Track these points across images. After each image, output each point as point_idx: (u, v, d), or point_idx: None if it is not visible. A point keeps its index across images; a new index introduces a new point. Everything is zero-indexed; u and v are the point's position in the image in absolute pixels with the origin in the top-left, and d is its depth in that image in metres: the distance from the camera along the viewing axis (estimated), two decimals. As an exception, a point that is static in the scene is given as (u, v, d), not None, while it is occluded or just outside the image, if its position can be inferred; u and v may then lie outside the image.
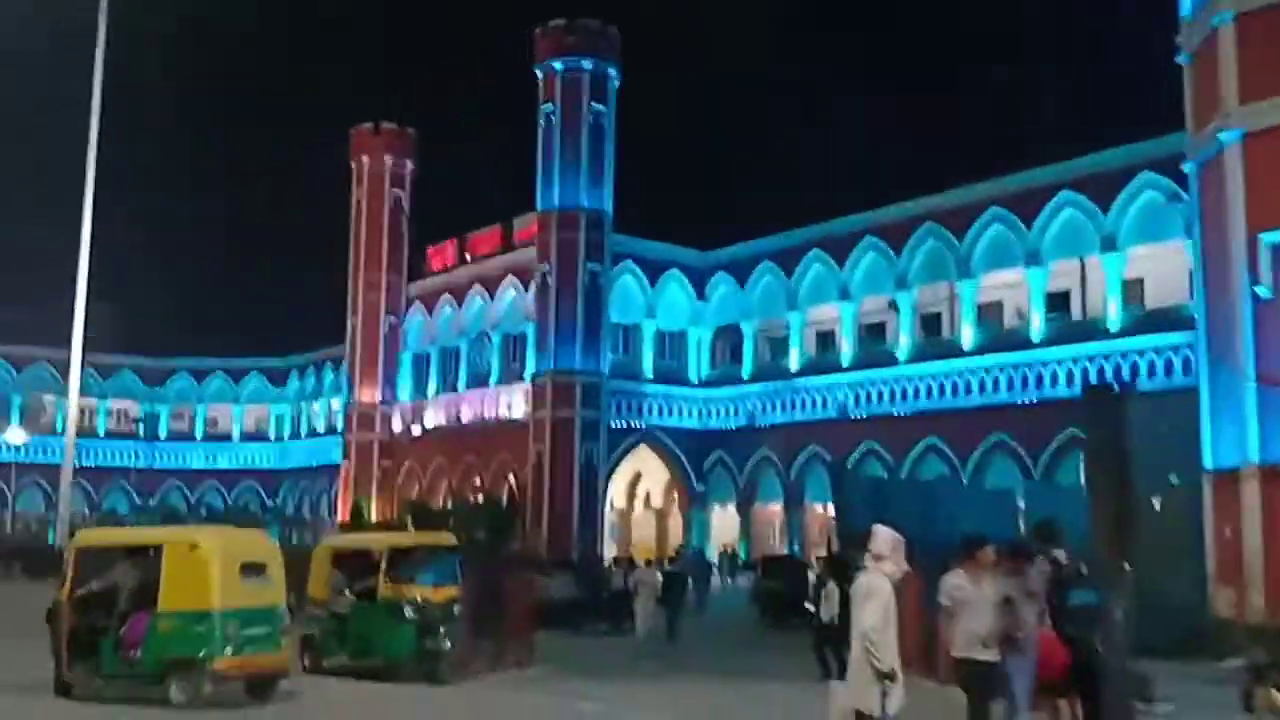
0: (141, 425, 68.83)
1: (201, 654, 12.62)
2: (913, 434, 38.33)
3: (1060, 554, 11.20)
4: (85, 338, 48.51)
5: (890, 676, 7.98)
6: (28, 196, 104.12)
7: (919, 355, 40.13)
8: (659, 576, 22.53)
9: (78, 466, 53.45)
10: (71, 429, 51.57)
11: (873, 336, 43.07)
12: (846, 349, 42.55)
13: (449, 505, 38.87)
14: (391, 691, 15.49)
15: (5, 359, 66.90)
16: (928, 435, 38.04)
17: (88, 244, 50.48)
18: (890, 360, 40.87)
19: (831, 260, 42.95)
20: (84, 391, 54.18)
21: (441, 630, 15.53)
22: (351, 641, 16.22)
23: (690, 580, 25.79)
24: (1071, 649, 10.29)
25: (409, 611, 15.58)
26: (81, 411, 55.16)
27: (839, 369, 42.44)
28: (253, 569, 13.40)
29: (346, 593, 16.63)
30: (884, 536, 8.46)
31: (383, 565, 15.98)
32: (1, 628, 19.51)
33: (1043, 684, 10.26)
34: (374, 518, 48.97)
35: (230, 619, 12.73)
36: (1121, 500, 10.10)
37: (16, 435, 60.57)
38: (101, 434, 66.06)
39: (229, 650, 12.68)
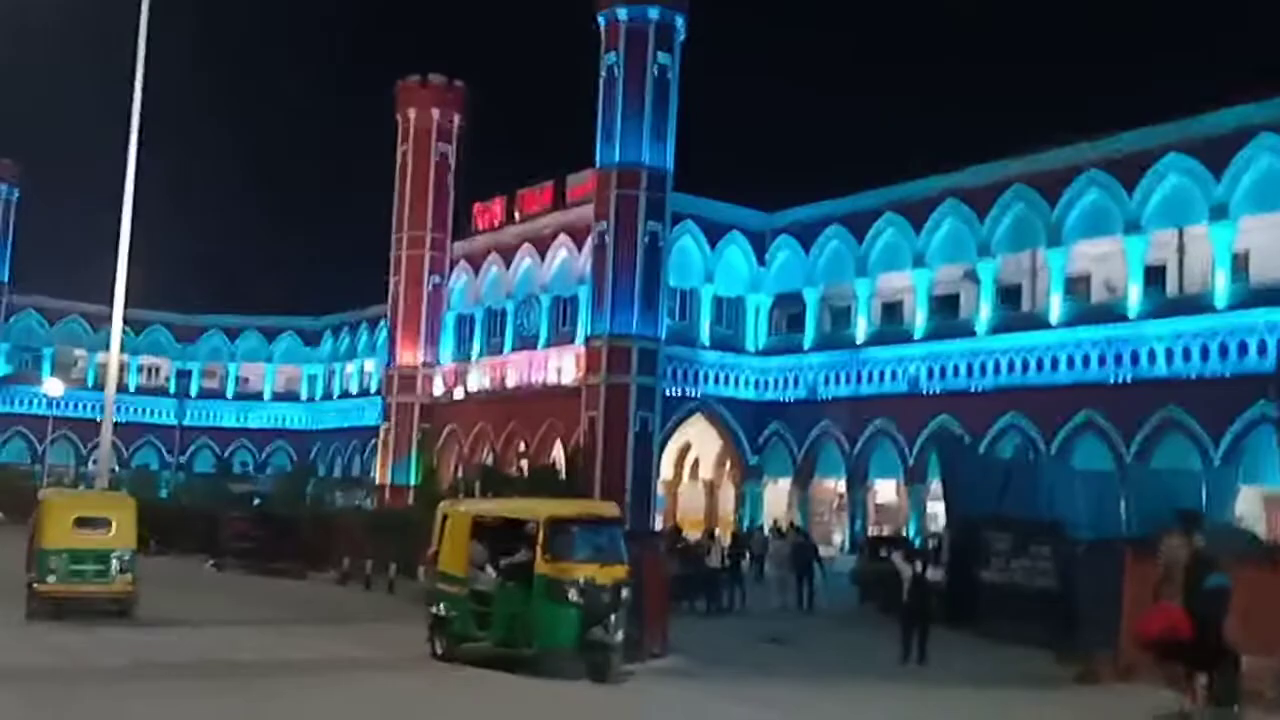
0: (173, 382, 67.57)
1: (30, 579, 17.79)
2: (991, 410, 36.01)
3: (1199, 539, 12.92)
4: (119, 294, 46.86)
5: None
6: (63, 151, 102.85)
7: (999, 327, 37.81)
8: (789, 549, 21.00)
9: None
10: (111, 385, 50.29)
11: (946, 307, 40.75)
12: (919, 319, 40.29)
13: (521, 471, 36.93)
14: (546, 690, 13.22)
15: (38, 311, 65.67)
16: (1007, 412, 35.74)
17: (130, 201, 48.88)
18: (967, 332, 38.57)
19: (907, 225, 40.64)
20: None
21: (612, 618, 13.23)
22: (497, 626, 14.04)
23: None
24: (1198, 626, 11.70)
25: (573, 594, 13.32)
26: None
27: (910, 340, 40.18)
28: (89, 521, 18.13)
29: (488, 568, 14.42)
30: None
31: (540, 538, 13.60)
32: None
33: (1164, 647, 12.05)
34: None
35: (54, 555, 17.55)
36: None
37: (55, 387, 59.34)
38: (133, 390, 64.65)
39: (52, 579, 17.49)
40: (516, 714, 12.10)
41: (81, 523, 18.09)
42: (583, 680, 13.29)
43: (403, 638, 16.16)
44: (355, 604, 22.62)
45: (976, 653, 18.46)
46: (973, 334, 38.28)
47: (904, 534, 33.74)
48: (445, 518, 17.74)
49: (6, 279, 64.39)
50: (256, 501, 38.51)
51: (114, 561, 17.81)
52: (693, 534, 27.91)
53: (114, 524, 18.16)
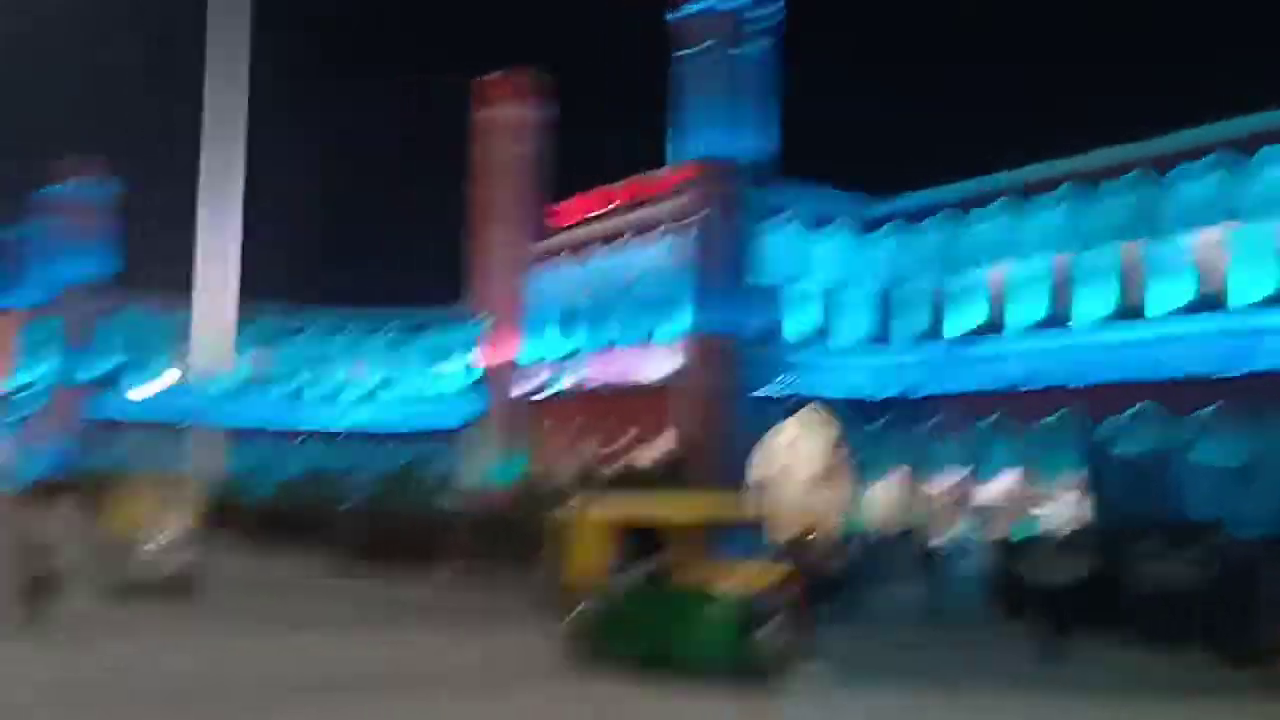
0: (275, 380, 68.54)
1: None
2: (1115, 403, 34.49)
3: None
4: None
5: None
6: (166, 150, 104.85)
7: (1116, 317, 36.33)
8: (912, 548, 20.16)
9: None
10: (205, 382, 50.91)
11: (1060, 295, 39.28)
12: (1031, 309, 38.88)
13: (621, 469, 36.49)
14: (702, 701, 12.33)
15: (141, 309, 66.86)
16: (1133, 404, 34.26)
17: (240, 205, 49.23)
18: (1084, 322, 37.13)
19: (1015, 213, 39.26)
20: (210, 345, 53.80)
21: (769, 625, 12.46)
22: (642, 635, 13.22)
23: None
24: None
25: (725, 600, 12.49)
26: (209, 364, 54.91)
27: (1023, 331, 38.84)
28: (158, 510, 20.53)
29: (626, 572, 13.70)
30: None
31: (685, 541, 12.91)
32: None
33: None
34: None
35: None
36: None
37: (156, 384, 60.40)
38: (235, 387, 65.60)
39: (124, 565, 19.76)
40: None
41: (149, 511, 20.53)
42: (740, 692, 12.46)
43: (532, 644, 15.57)
44: (473, 607, 22.11)
45: (1129, 656, 17.49)
46: (1090, 323, 36.84)
47: (1032, 532, 32.44)
48: (571, 520, 17.38)
49: (110, 275, 65.73)
50: (357, 502, 38.50)
51: (175, 545, 20.07)
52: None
53: (176, 514, 20.64)
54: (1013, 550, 23.56)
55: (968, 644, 18.83)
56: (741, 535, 13.80)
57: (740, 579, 12.65)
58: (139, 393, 60.38)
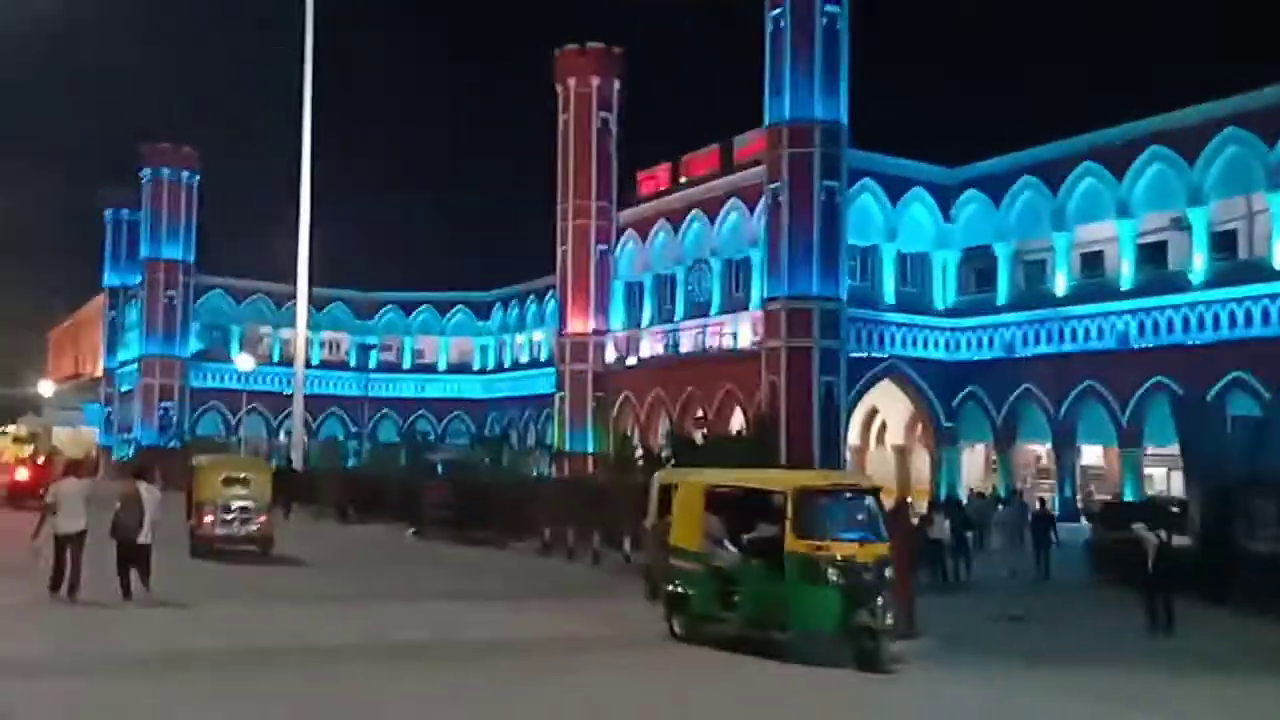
0: (353, 356, 69.74)
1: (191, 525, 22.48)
2: (1214, 367, 33.42)
3: None
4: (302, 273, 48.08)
5: None
6: (240, 136, 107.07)
7: (1215, 278, 35.13)
8: (1024, 517, 19.95)
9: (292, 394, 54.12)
10: (300, 359, 51.91)
11: (1154, 257, 38.09)
12: (1124, 271, 37.80)
13: (704, 437, 36.34)
14: (810, 678, 12.16)
15: (224, 291, 68.52)
16: (1232, 368, 33.13)
17: (308, 185, 49.95)
18: (1180, 284, 35.98)
19: (1107, 172, 38.11)
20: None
21: (879, 600, 12.02)
22: (743, 606, 12.97)
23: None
24: None
25: (833, 574, 12.05)
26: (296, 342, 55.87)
27: (1116, 293, 37.76)
28: (235, 480, 22.75)
29: (727, 544, 13.42)
30: None
31: (791, 511, 12.43)
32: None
33: None
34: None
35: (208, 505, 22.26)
36: None
37: (245, 362, 62.00)
38: (315, 364, 66.86)
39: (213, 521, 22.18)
40: (783, 704, 11.18)
41: (228, 481, 22.62)
42: (847, 668, 12.21)
43: (631, 614, 15.55)
44: (566, 576, 22.25)
45: (1241, 625, 17.04)
46: (1186, 285, 35.72)
47: (1147, 500, 31.58)
48: (667, 487, 17.21)
49: (194, 260, 67.39)
50: (444, 470, 38.98)
51: (252, 511, 22.31)
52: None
53: (252, 482, 22.76)
54: (1117, 516, 23.06)
55: (1075, 614, 18.48)
56: (856, 505, 13.07)
57: (848, 550, 12.27)
58: (242, 361, 61.91)
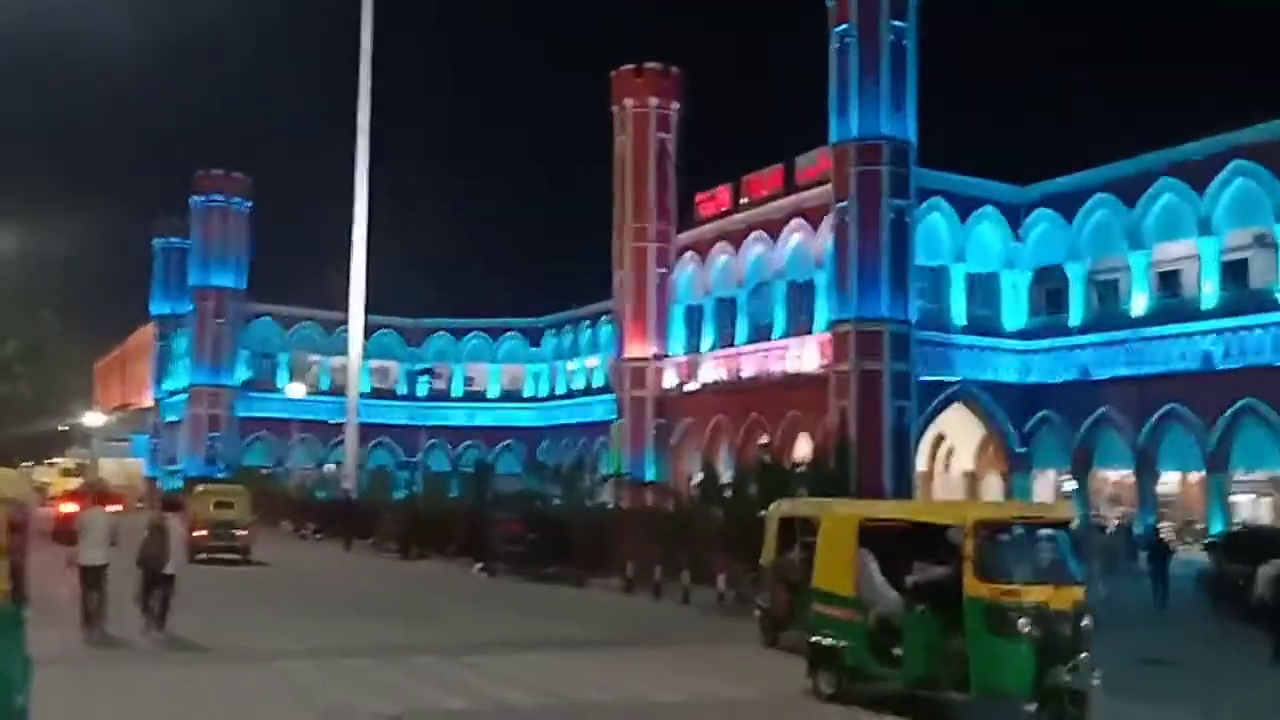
0: (402, 384, 69.29)
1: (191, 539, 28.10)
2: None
3: None
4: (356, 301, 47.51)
5: None
6: (292, 165, 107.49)
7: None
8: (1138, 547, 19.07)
9: (342, 423, 53.75)
10: (353, 389, 51.38)
11: (1238, 275, 36.85)
12: (1206, 290, 36.59)
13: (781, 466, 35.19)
14: None
15: (274, 318, 68.32)
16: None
17: (363, 213, 49.63)
18: (1266, 302, 34.76)
19: (1186, 188, 36.98)
20: (348, 352, 54.34)
21: (1081, 655, 10.30)
22: (910, 662, 11.16)
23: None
24: None
25: (1024, 624, 10.25)
26: (346, 371, 55.57)
27: (1198, 313, 36.56)
28: (223, 504, 30.69)
29: (886, 586, 11.76)
30: None
31: (970, 549, 10.62)
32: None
33: None
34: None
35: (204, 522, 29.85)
36: None
37: (296, 390, 61.76)
38: (365, 392, 66.33)
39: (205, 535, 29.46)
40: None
41: (218, 505, 30.53)
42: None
43: (756, 665, 14.27)
44: (656, 617, 21.09)
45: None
46: (1273, 305, 34.46)
47: (1231, 526, 30.32)
48: (789, 520, 15.91)
49: (245, 287, 67.29)
50: (508, 503, 37.86)
51: (236, 526, 29.97)
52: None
53: (235, 505, 30.67)
54: (1228, 546, 22.02)
55: (1208, 654, 17.42)
56: (1047, 542, 11.22)
57: (1040, 595, 10.51)
58: (293, 389, 61.70)
